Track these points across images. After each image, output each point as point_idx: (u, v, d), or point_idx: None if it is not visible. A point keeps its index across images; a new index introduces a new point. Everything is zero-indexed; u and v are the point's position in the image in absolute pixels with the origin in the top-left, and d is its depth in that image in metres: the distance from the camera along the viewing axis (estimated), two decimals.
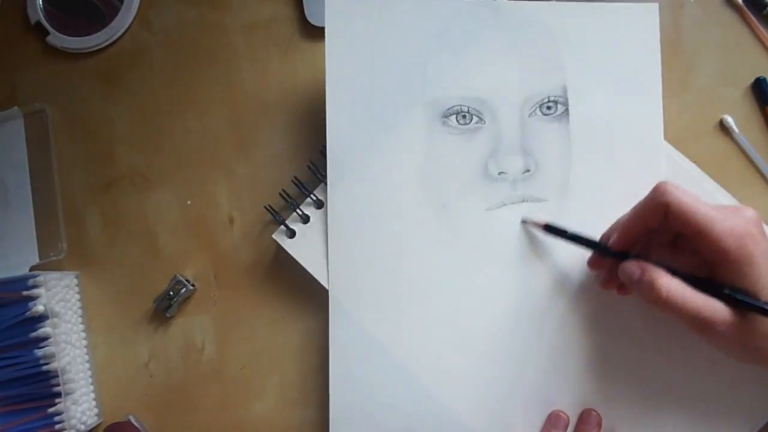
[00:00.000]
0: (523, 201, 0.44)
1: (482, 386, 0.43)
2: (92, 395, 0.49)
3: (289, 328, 0.48)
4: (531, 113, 0.44)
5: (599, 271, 0.42)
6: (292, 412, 0.48)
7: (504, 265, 0.44)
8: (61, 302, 0.48)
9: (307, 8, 0.51)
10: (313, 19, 0.51)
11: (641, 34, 0.45)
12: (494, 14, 0.45)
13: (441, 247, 0.44)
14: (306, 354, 0.48)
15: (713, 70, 0.47)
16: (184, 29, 0.53)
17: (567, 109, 0.44)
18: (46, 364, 0.46)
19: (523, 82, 0.45)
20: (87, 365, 0.50)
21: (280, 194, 0.47)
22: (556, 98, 0.44)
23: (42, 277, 0.47)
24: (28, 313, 0.46)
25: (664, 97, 0.44)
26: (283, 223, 0.47)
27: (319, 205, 0.46)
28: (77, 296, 0.50)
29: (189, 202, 0.51)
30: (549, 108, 0.44)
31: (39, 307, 0.46)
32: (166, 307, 0.49)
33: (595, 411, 0.43)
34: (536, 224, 0.43)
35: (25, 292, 0.46)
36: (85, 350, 0.50)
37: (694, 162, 0.45)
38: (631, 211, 0.39)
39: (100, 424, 0.50)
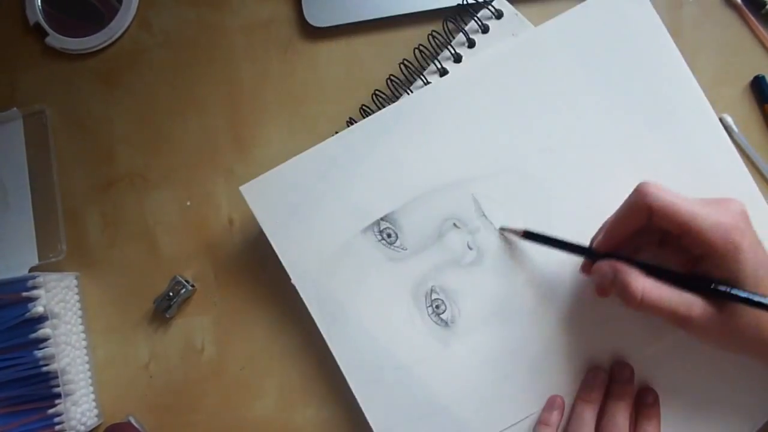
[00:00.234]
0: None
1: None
2: (92, 396, 0.49)
3: (289, 328, 0.48)
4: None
5: (591, 276, 0.41)
6: (292, 412, 0.48)
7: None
8: (61, 303, 0.48)
9: (306, 9, 0.51)
10: (312, 20, 0.51)
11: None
12: None
13: None
14: (306, 354, 0.48)
15: (712, 69, 0.47)
16: (184, 30, 0.53)
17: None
18: (46, 365, 0.46)
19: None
20: (87, 366, 0.50)
21: None
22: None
23: (41, 278, 0.46)
24: (28, 314, 0.46)
25: None
26: None
27: None
28: (77, 297, 0.50)
29: (188, 203, 0.51)
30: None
31: (39, 308, 0.46)
32: (166, 307, 0.49)
33: (628, 364, 0.42)
34: (514, 232, 0.43)
35: (24, 294, 0.46)
36: (84, 351, 0.50)
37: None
38: (615, 213, 0.38)
39: (100, 425, 0.50)
